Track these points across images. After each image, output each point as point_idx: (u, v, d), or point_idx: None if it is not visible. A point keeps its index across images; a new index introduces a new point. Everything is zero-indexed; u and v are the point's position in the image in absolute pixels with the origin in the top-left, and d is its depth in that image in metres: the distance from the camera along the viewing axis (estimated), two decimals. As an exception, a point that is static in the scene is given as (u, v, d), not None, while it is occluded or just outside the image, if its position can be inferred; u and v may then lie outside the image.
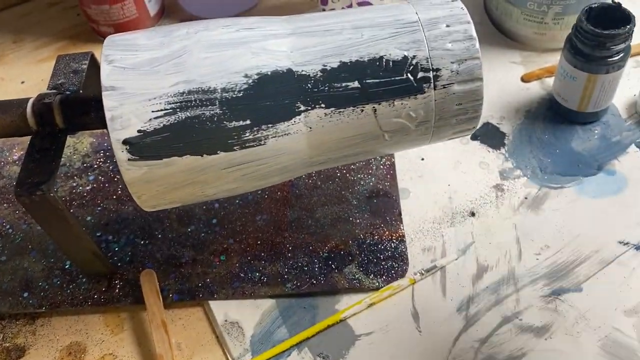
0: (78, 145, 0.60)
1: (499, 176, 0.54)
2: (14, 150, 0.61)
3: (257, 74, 0.39)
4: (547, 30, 0.62)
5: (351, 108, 0.40)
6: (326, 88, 0.40)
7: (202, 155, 0.39)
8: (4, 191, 0.57)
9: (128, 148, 0.38)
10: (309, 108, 0.40)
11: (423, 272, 0.49)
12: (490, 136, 0.58)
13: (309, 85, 0.40)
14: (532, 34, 0.63)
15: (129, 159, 0.39)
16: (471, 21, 0.41)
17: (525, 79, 0.62)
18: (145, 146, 0.39)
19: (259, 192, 0.55)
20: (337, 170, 0.56)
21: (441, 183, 0.54)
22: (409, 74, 0.40)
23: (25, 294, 0.50)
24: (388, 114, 0.41)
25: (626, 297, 0.46)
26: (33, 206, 0.42)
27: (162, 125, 0.38)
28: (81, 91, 0.47)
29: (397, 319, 0.46)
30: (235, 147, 0.40)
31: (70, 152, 0.60)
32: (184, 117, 0.39)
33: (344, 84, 0.40)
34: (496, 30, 0.66)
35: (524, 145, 0.56)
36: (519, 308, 0.46)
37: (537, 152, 0.56)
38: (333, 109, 0.40)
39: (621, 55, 0.53)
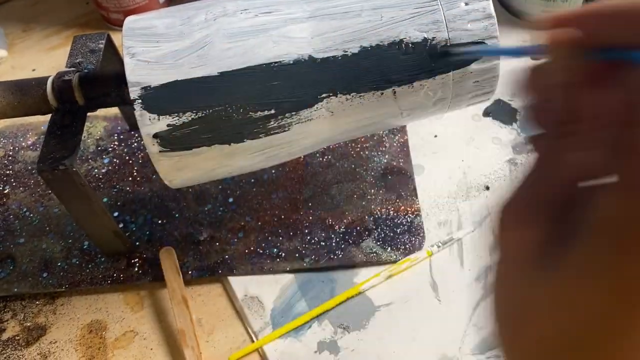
0: (92, 129, 0.61)
1: (512, 151, 0.55)
2: (28, 136, 0.61)
3: (279, 63, 0.40)
4: (556, 8, 0.62)
5: (372, 92, 0.41)
6: (348, 75, 0.40)
7: (229, 144, 0.41)
8: (20, 175, 0.58)
9: (159, 141, 0.40)
10: (331, 94, 0.41)
11: (440, 244, 0.49)
12: (502, 113, 0.58)
13: (331, 72, 0.40)
14: (540, 12, 0.64)
15: (160, 151, 0.40)
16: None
17: (535, 57, 0.62)
18: (175, 139, 0.40)
19: (274, 171, 0.55)
20: (350, 148, 0.57)
21: (455, 159, 0.55)
22: (428, 56, 0.41)
23: (45, 274, 0.51)
24: (407, 95, 0.42)
25: None
26: (55, 181, 0.42)
27: (190, 118, 0.39)
28: (99, 69, 0.47)
29: (415, 289, 0.47)
30: (261, 135, 0.41)
31: (84, 137, 0.60)
32: (210, 110, 0.39)
33: (366, 69, 0.40)
34: (505, 10, 0.67)
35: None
36: (537, 276, 0.46)
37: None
38: (354, 93, 0.41)
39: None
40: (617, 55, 0.20)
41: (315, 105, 0.41)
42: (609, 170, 0.20)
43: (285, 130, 0.41)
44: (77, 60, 0.48)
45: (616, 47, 0.20)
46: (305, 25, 0.40)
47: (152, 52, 0.39)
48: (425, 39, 0.40)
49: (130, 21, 0.42)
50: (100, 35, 0.49)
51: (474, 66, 0.41)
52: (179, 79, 0.39)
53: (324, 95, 0.41)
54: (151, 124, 0.39)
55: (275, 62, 0.39)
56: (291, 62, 0.40)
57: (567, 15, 0.21)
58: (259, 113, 0.40)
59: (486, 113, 0.58)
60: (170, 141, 0.40)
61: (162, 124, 0.39)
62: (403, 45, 0.40)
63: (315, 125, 0.42)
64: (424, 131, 0.57)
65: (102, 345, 0.48)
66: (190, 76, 0.39)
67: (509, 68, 0.61)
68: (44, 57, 0.70)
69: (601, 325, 0.18)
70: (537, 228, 0.21)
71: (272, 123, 0.40)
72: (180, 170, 0.42)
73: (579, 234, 0.19)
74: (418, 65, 0.41)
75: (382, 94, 0.41)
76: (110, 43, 0.50)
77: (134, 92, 0.39)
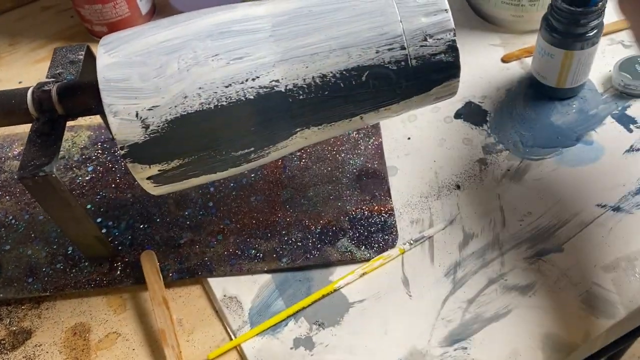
0: (76, 138, 0.62)
1: (482, 151, 0.57)
2: (14, 146, 0.63)
3: (254, 108, 0.42)
4: (524, 12, 0.64)
5: (341, 120, 0.45)
6: (319, 112, 0.43)
7: (215, 173, 0.46)
8: (6, 184, 0.59)
9: (152, 181, 0.44)
10: (305, 128, 0.44)
11: (412, 242, 0.51)
12: (473, 114, 0.60)
13: (303, 110, 0.43)
14: (509, 16, 0.66)
15: (154, 186, 0.45)
16: (454, 30, 0.42)
17: (505, 60, 0.64)
18: (166, 178, 0.44)
19: (253, 175, 0.57)
20: (327, 152, 0.58)
21: (427, 160, 0.57)
22: (394, 87, 0.43)
23: (30, 280, 0.52)
24: (373, 117, 0.46)
25: (605, 255, 0.48)
26: (36, 188, 0.44)
27: (178, 163, 0.43)
28: (78, 79, 0.49)
29: (388, 285, 0.49)
30: (243, 164, 0.45)
31: (68, 146, 0.62)
32: (195, 156, 0.43)
33: (337, 110, 0.44)
34: (475, 15, 0.69)
35: (505, 121, 0.59)
36: (504, 270, 0.48)
37: (519, 128, 0.58)
38: (325, 124, 0.45)
39: (595, 31, 0.55)
40: None
41: (290, 137, 0.45)
42: None
43: (263, 157, 0.46)
44: (58, 71, 0.49)
45: None
46: (276, 70, 0.42)
47: (133, 109, 0.41)
48: (388, 75, 0.42)
49: (103, 68, 0.42)
50: (80, 47, 0.51)
51: (434, 90, 0.44)
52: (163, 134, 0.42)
53: (297, 130, 0.44)
54: (143, 171, 0.43)
55: (250, 108, 0.42)
56: (266, 106, 0.42)
57: None
58: (240, 152, 0.44)
59: (457, 115, 0.60)
60: (162, 180, 0.44)
61: (153, 170, 0.43)
62: (370, 83, 0.43)
63: (290, 148, 0.46)
64: (398, 134, 0.59)
65: (86, 347, 0.49)
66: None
67: (480, 69, 0.63)
68: (31, 70, 0.72)
69: None
70: None
71: (252, 156, 0.45)
72: (171, 191, 0.47)
73: None
74: (383, 96, 0.43)
75: (350, 120, 0.45)
76: (89, 54, 0.52)
77: (123, 150, 0.42)
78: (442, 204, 0.53)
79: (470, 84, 0.62)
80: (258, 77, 0.42)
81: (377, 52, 0.42)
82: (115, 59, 0.42)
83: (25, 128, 0.63)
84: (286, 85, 0.42)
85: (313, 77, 0.42)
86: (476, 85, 0.62)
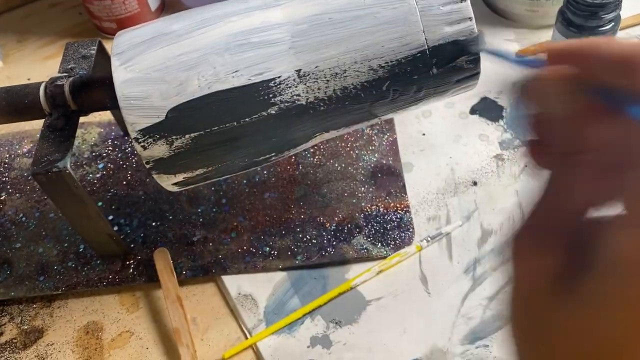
0: (86, 135, 0.62)
1: (499, 147, 0.56)
2: (24, 143, 0.62)
3: (276, 124, 0.42)
4: (539, 7, 0.64)
5: (359, 123, 0.45)
6: (339, 119, 0.44)
7: (235, 173, 0.48)
8: (16, 182, 0.59)
9: (177, 185, 0.45)
10: (324, 132, 0.45)
11: (429, 239, 0.50)
12: (489, 110, 0.59)
13: (325, 118, 0.43)
14: (524, 11, 0.65)
15: (178, 188, 0.46)
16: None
17: (520, 55, 0.64)
18: (190, 183, 0.46)
19: (265, 172, 0.56)
20: (340, 148, 0.57)
21: (443, 156, 0.56)
22: (414, 94, 0.43)
23: (41, 278, 0.52)
24: (390, 115, 0.46)
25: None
26: (49, 184, 0.43)
27: (202, 171, 0.44)
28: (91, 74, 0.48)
29: (406, 283, 0.48)
30: (261, 165, 0.47)
31: (79, 143, 0.61)
32: (220, 165, 0.44)
33: (356, 114, 0.43)
34: (490, 10, 0.68)
35: (521, 116, 0.58)
36: (524, 267, 0.47)
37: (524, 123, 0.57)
38: (344, 127, 0.45)
39: (612, 24, 0.55)
40: (615, 103, 0.20)
41: (310, 141, 0.45)
42: (615, 201, 0.20)
43: (282, 157, 0.46)
44: (70, 66, 0.49)
45: (614, 93, 0.21)
46: (298, 85, 0.41)
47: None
48: (410, 84, 0.42)
49: (121, 84, 0.41)
50: (92, 42, 0.51)
51: (452, 91, 0.44)
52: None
53: (317, 134, 0.45)
54: (168, 180, 0.44)
55: (272, 122, 0.42)
56: (288, 118, 0.42)
57: (567, 48, 0.22)
58: (261, 157, 0.45)
59: (473, 111, 0.59)
60: (186, 184, 0.46)
61: (178, 178, 0.44)
62: (391, 91, 0.42)
63: (306, 147, 0.46)
64: (413, 130, 0.58)
65: (99, 346, 0.49)
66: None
67: (494, 67, 0.62)
68: (39, 67, 0.71)
69: (614, 351, 0.19)
70: (551, 257, 0.22)
71: (272, 159, 0.46)
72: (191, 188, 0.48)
73: (591, 264, 0.20)
74: (402, 101, 0.43)
75: (368, 121, 0.45)
76: (101, 49, 0.51)
77: (148, 164, 0.42)
78: (459, 201, 0.52)
79: (485, 79, 0.60)
80: (280, 94, 0.41)
81: (399, 62, 0.41)
82: (132, 73, 0.41)
83: (35, 125, 0.63)
84: (307, 99, 0.41)
85: (334, 90, 0.42)
86: (491, 80, 0.60)
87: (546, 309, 0.21)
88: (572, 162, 0.22)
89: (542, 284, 0.22)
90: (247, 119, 0.41)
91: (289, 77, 0.41)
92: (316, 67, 0.41)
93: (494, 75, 0.61)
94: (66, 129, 0.44)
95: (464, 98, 0.60)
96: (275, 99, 0.41)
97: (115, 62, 0.41)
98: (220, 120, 0.41)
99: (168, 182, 0.44)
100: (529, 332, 0.22)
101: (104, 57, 0.51)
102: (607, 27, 0.54)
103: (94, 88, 0.45)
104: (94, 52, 0.50)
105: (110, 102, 0.45)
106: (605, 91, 0.21)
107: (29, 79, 0.70)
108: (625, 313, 0.19)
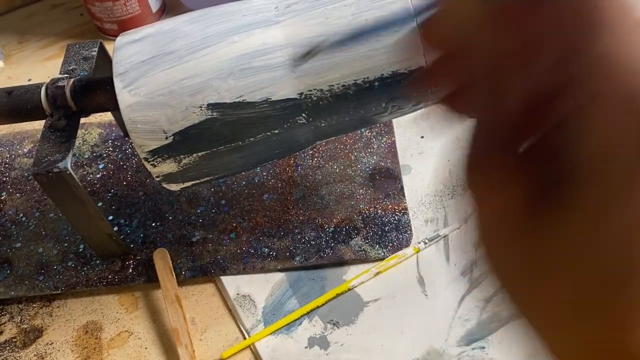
0: (87, 136, 0.62)
1: (497, 150, 0.56)
2: (24, 143, 0.62)
3: (280, 141, 0.44)
4: None
5: (352, 129, 0.46)
6: (336, 129, 0.45)
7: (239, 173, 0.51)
8: (17, 182, 0.59)
9: (183, 189, 0.49)
10: (322, 139, 0.47)
11: (427, 241, 0.50)
12: (487, 113, 0.59)
13: (327, 131, 0.45)
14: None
15: (182, 189, 0.48)
16: None
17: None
18: (195, 187, 0.49)
19: (264, 174, 0.57)
20: (339, 150, 0.58)
21: (441, 159, 0.56)
22: (410, 108, 0.44)
23: (41, 277, 0.52)
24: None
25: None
26: (50, 184, 0.44)
27: (209, 179, 0.47)
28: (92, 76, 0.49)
29: (403, 285, 0.48)
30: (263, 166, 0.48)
31: (79, 143, 0.61)
32: (226, 173, 0.47)
33: (356, 124, 0.45)
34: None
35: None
36: (521, 269, 0.48)
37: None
38: (339, 134, 0.47)
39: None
40: None
41: (310, 146, 0.47)
42: (562, 99, 0.17)
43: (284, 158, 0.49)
44: (71, 67, 0.49)
45: None
46: (301, 108, 0.42)
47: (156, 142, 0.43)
48: (405, 100, 0.43)
49: (127, 108, 0.41)
50: (93, 43, 0.51)
51: None
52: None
53: (317, 142, 0.47)
54: (177, 186, 0.47)
55: (276, 139, 0.44)
56: (290, 136, 0.44)
57: None
58: (264, 164, 0.50)
59: (471, 114, 0.59)
60: (193, 187, 0.49)
61: (186, 184, 0.47)
62: (389, 107, 0.43)
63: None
64: (411, 132, 0.58)
65: (98, 345, 0.49)
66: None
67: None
68: (40, 68, 0.72)
69: (622, 270, 0.16)
70: (514, 184, 0.19)
71: (275, 162, 0.47)
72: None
73: (565, 179, 0.17)
74: (398, 115, 0.45)
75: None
76: (102, 50, 0.51)
77: (158, 178, 0.45)
78: (457, 203, 0.53)
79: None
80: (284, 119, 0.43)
81: (400, 82, 0.41)
82: (137, 97, 0.41)
83: (36, 125, 0.63)
84: (309, 119, 0.43)
85: (336, 110, 0.43)
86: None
87: (529, 242, 0.18)
88: (502, 68, 0.19)
89: (514, 218, 0.19)
90: (252, 139, 0.43)
91: (290, 97, 0.42)
92: (318, 90, 0.42)
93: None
94: (67, 129, 0.45)
95: (462, 101, 0.60)
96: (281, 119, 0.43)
97: (118, 84, 0.42)
98: (226, 140, 0.43)
99: (176, 188, 0.47)
100: (510, 278, 0.19)
101: (105, 59, 0.52)
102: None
103: (95, 90, 0.45)
104: (95, 53, 0.50)
105: (111, 105, 0.45)
106: None
107: (29, 80, 0.70)
108: (630, 209, 0.16)
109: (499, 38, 0.19)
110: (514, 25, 0.18)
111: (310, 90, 0.42)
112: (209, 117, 0.41)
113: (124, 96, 0.41)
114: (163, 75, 0.41)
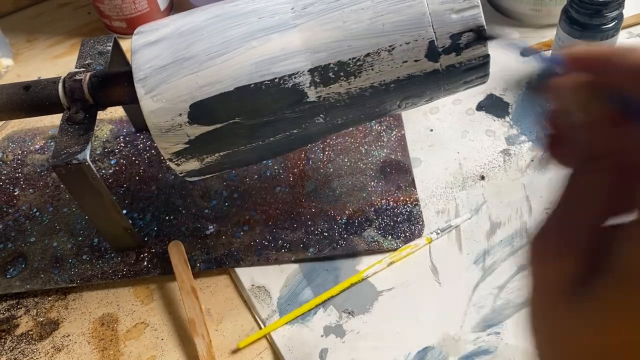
0: (98, 132, 0.62)
1: (506, 142, 0.57)
2: (36, 140, 0.63)
3: (297, 139, 0.46)
4: (543, 6, 0.65)
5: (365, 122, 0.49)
6: (349, 125, 0.47)
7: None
8: (29, 178, 0.60)
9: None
10: (336, 132, 0.48)
11: (439, 231, 0.51)
12: (495, 106, 0.60)
13: (341, 128, 0.46)
14: (528, 10, 0.66)
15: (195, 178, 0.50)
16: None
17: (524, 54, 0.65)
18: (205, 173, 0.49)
19: (276, 167, 0.57)
20: (350, 144, 0.58)
21: (451, 151, 0.57)
22: (423, 101, 0.46)
23: (56, 271, 0.52)
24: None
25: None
26: (69, 176, 0.44)
27: (228, 169, 0.49)
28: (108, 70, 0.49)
29: (416, 274, 0.49)
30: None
31: (91, 139, 0.62)
32: (246, 165, 0.51)
33: (369, 119, 0.47)
34: (494, 10, 0.69)
35: (527, 112, 0.59)
36: (533, 258, 0.48)
37: (540, 119, 0.58)
38: (352, 127, 0.49)
39: (615, 22, 0.56)
40: (635, 112, 0.21)
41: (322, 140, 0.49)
42: (633, 209, 0.21)
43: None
44: (87, 62, 0.49)
45: (635, 102, 0.21)
46: (322, 115, 0.44)
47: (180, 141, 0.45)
48: (419, 99, 0.45)
49: (150, 114, 0.42)
50: (107, 38, 0.51)
51: (461, 89, 0.46)
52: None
53: (332, 135, 0.50)
54: (199, 178, 0.49)
55: (294, 138, 0.46)
56: (308, 135, 0.46)
57: (589, 54, 0.23)
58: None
59: (479, 107, 0.60)
60: (203, 182, 0.54)
61: (207, 176, 0.49)
62: (403, 104, 0.45)
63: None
64: (421, 126, 0.59)
65: (114, 337, 0.49)
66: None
67: (500, 63, 0.63)
68: (49, 66, 0.72)
69: (629, 353, 0.20)
70: (567, 262, 0.22)
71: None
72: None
73: (605, 272, 0.20)
74: (411, 109, 0.47)
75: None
76: (117, 46, 0.52)
77: (182, 174, 0.47)
78: (467, 195, 0.53)
79: (491, 77, 0.62)
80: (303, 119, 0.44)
81: (415, 83, 0.43)
82: (160, 103, 0.42)
83: (47, 122, 0.64)
84: (326, 118, 0.44)
85: (352, 110, 0.44)
86: (497, 78, 0.63)
87: (558, 312, 0.22)
88: (593, 167, 0.22)
89: (556, 288, 0.22)
90: (271, 139, 0.44)
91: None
92: (336, 92, 0.43)
93: (499, 72, 0.63)
94: (85, 122, 0.45)
95: (470, 95, 0.61)
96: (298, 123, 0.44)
97: (140, 90, 0.42)
98: (247, 141, 0.44)
99: (197, 179, 0.50)
100: (542, 332, 0.23)
101: (119, 54, 0.52)
102: (610, 25, 0.56)
103: (113, 85, 0.46)
104: (109, 48, 0.51)
105: (128, 98, 0.46)
106: (626, 100, 0.21)
107: (39, 78, 0.70)
108: (631, 324, 0.19)
109: (595, 138, 0.23)
110: (607, 134, 0.22)
111: (329, 94, 0.42)
112: (230, 122, 0.42)
113: (147, 102, 0.42)
114: (184, 81, 0.42)
